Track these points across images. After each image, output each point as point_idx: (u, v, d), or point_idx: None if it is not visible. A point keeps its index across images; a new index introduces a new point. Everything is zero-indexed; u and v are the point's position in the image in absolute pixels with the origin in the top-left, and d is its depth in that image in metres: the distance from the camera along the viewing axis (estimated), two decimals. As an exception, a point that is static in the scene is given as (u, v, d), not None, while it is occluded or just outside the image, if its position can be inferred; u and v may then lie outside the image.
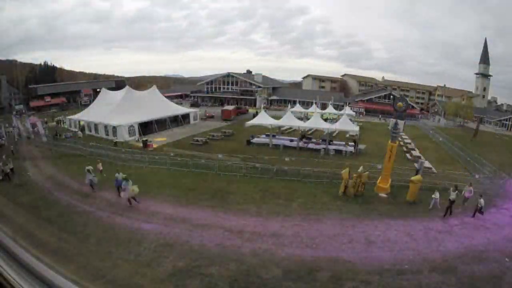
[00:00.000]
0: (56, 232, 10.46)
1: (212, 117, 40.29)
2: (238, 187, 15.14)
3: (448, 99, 62.22)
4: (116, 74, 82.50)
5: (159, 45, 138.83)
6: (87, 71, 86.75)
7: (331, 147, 23.62)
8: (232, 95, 57.90)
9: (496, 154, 25.65)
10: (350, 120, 30.30)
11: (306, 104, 47.63)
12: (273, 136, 25.53)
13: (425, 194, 14.57)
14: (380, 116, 50.52)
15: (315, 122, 25.34)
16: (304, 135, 26.94)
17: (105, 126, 27.00)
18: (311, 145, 24.22)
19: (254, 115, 33.71)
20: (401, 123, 15.08)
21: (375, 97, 58.38)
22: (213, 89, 61.36)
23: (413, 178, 14.07)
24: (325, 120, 31.22)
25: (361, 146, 23.97)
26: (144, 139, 24.96)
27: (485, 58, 63.71)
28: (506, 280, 8.27)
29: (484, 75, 64.51)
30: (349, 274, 8.26)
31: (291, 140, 25.15)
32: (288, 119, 25.88)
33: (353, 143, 23.76)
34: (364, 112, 54.09)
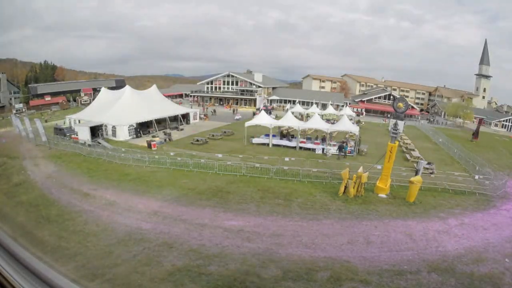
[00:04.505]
0: (55, 231, 10.47)
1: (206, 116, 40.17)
2: (237, 187, 15.14)
3: (448, 100, 62.27)
4: (116, 73, 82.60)
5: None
6: (87, 70, 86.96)
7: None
8: (232, 94, 57.91)
9: (496, 155, 25.68)
10: (350, 120, 30.34)
11: (306, 104, 47.68)
12: (272, 136, 25.48)
13: (424, 195, 14.62)
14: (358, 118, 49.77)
15: (315, 122, 25.34)
16: (286, 133, 27.04)
17: (105, 126, 26.98)
18: (309, 145, 24.22)
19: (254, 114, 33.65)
20: (401, 123, 15.07)
21: (375, 98, 58.45)
22: (213, 89, 61.37)
23: (412, 179, 14.08)
24: (327, 120, 31.28)
25: (363, 147, 23.97)
26: (148, 139, 24.98)
27: (485, 59, 63.76)
28: (505, 281, 8.28)
29: (484, 76, 64.57)
30: (348, 274, 8.26)
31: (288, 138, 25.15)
32: (288, 119, 25.88)
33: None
34: (364, 113, 54.11)
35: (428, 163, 19.27)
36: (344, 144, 23.05)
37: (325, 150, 22.92)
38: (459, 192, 15.37)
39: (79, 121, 29.43)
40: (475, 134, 34.82)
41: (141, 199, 13.36)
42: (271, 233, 10.54)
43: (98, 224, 11.05)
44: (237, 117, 41.15)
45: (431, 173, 18.16)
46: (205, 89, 61.48)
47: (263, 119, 25.92)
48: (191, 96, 60.98)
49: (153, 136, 27.33)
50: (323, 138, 24.86)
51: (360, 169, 14.42)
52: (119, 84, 55.48)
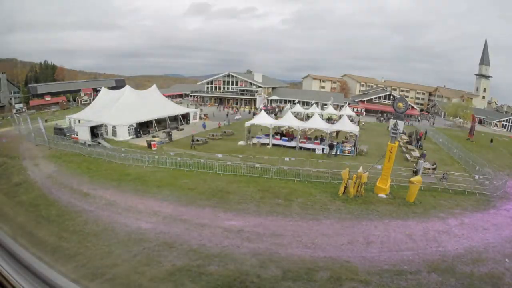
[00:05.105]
0: (55, 231, 10.47)
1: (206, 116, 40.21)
2: (237, 187, 15.14)
3: (448, 100, 62.27)
4: (116, 73, 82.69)
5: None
6: (87, 70, 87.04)
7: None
8: (232, 94, 57.94)
9: (496, 155, 25.69)
10: (351, 120, 30.37)
11: (306, 104, 47.73)
12: (266, 136, 25.48)
13: (424, 195, 14.63)
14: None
15: (315, 122, 25.37)
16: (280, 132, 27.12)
17: (105, 126, 26.99)
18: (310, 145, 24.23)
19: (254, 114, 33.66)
20: (401, 123, 15.07)
21: (375, 98, 58.48)
22: (213, 89, 61.39)
23: (412, 179, 14.09)
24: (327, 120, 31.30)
25: (364, 147, 24.00)
26: (148, 139, 25.00)
27: (485, 59, 63.75)
28: (505, 281, 8.28)
29: (484, 76, 64.57)
30: (348, 274, 8.26)
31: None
32: (288, 119, 25.89)
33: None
34: (364, 113, 54.12)
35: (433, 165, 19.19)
36: (335, 143, 23.11)
37: (325, 150, 22.94)
38: (459, 192, 15.37)
39: (79, 121, 29.46)
40: (471, 132, 35.27)
41: (141, 199, 13.36)
42: (271, 233, 10.54)
43: (98, 224, 11.05)
44: (237, 117, 41.16)
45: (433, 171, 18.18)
46: (205, 89, 61.48)
47: (263, 119, 25.95)
48: (191, 96, 61.01)
49: (153, 136, 27.33)
50: (322, 137, 24.87)
51: (360, 169, 14.42)
52: (119, 84, 55.45)
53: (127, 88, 32.79)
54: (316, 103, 40.51)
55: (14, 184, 15.62)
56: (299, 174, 16.56)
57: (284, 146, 24.57)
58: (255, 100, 55.14)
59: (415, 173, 16.75)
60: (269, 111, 38.99)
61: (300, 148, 24.08)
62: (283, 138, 25.34)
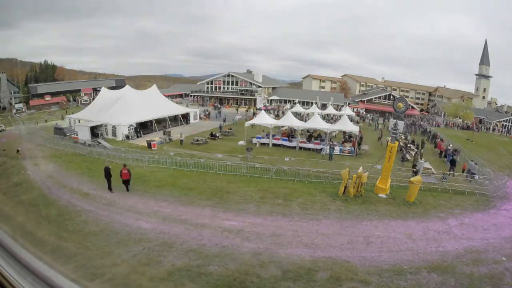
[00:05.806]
0: (55, 231, 10.46)
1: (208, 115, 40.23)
2: (237, 187, 15.14)
3: (448, 100, 62.26)
4: (116, 73, 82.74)
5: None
6: (87, 70, 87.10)
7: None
8: (232, 94, 57.96)
9: (496, 156, 25.69)
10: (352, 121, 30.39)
11: (306, 104, 47.76)
12: (266, 135, 25.51)
13: (424, 195, 14.63)
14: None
15: (315, 122, 25.38)
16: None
17: (105, 126, 27.00)
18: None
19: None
20: (401, 123, 15.07)
21: (375, 98, 58.50)
22: (213, 89, 61.40)
23: (412, 179, 14.09)
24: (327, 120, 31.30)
25: (365, 147, 24.03)
26: (148, 139, 25.00)
27: (485, 59, 63.72)
28: (505, 281, 8.28)
29: (484, 76, 64.55)
30: (348, 274, 8.25)
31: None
32: (288, 119, 25.90)
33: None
34: (364, 113, 54.13)
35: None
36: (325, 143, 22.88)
37: (323, 150, 22.94)
38: (459, 192, 15.37)
39: (79, 121, 29.44)
40: (473, 134, 35.51)
41: (141, 199, 13.35)
42: (271, 233, 10.53)
43: (98, 224, 11.04)
44: (237, 117, 41.18)
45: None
46: (205, 89, 61.50)
47: (263, 119, 25.97)
48: (191, 96, 61.03)
49: (164, 133, 27.24)
50: (319, 136, 24.91)
51: (360, 169, 14.42)
52: (119, 84, 55.52)
53: (127, 88, 32.84)
54: (316, 103, 40.45)
55: (14, 184, 15.61)
56: (299, 174, 16.56)
57: (284, 146, 24.59)
58: (255, 100, 55.16)
59: (415, 173, 16.76)
60: (269, 111, 39.07)
61: (300, 148, 24.10)
62: (283, 138, 25.38)
